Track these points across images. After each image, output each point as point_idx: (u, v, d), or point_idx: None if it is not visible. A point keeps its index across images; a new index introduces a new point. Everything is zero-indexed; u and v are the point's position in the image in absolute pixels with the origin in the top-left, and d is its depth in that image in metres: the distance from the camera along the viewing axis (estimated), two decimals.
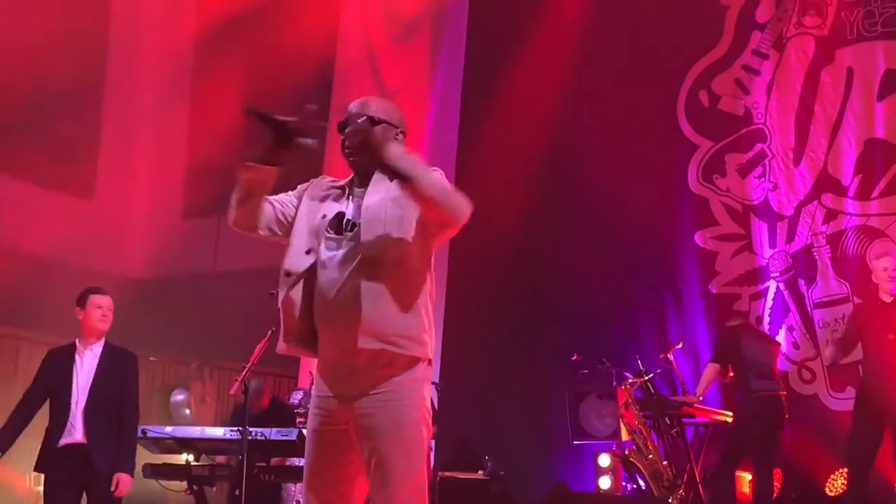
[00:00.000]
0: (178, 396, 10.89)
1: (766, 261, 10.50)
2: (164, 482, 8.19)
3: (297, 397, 9.87)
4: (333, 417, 3.97)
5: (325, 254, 3.99)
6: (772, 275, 10.41)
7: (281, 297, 4.02)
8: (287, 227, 4.16)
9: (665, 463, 9.03)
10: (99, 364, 7.18)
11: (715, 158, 10.93)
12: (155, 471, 8.08)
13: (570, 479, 10.16)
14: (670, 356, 9.75)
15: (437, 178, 3.85)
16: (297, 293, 3.98)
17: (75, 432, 6.98)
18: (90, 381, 7.10)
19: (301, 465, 8.20)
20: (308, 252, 4.02)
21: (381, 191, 3.99)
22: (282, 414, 9.47)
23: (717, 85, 11.02)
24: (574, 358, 9.34)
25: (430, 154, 11.91)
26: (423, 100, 12.16)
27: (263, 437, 7.84)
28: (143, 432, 7.96)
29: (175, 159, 14.62)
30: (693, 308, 10.65)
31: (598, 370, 9.37)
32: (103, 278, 12.94)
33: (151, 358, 12.22)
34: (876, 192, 10.16)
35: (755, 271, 10.52)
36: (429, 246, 4.02)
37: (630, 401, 9.07)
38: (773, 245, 10.51)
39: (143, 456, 7.95)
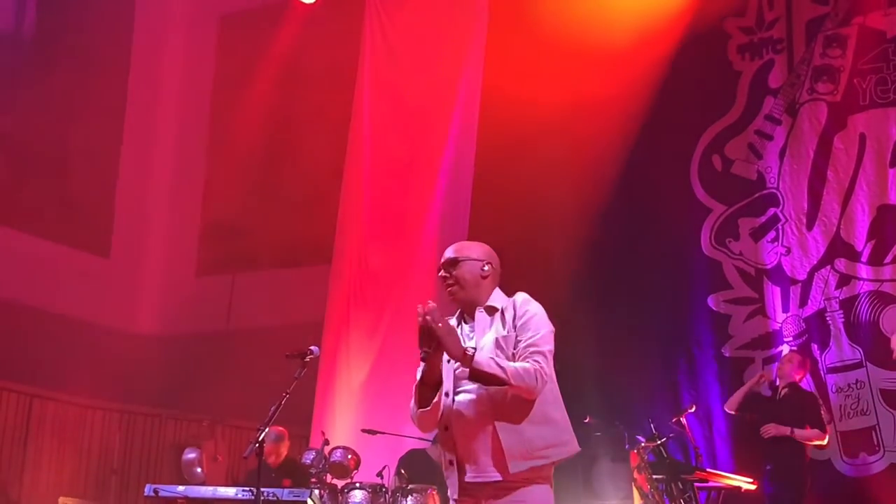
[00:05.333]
0: (190, 455, 10.85)
1: (780, 325, 10.49)
2: None
3: (308, 457, 9.84)
4: None
5: (457, 392, 4.63)
6: (785, 339, 10.39)
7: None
8: None
9: None
10: None
11: (728, 222, 10.96)
12: None
13: None
14: (683, 420, 9.73)
15: (514, 371, 4.46)
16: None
17: None
18: None
19: None
20: (447, 394, 4.67)
21: (487, 328, 4.71)
22: (296, 471, 9.46)
23: (730, 149, 11.08)
24: (586, 420, 9.31)
25: (441, 225, 11.97)
26: (433, 172, 12.27)
27: (275, 498, 7.83)
28: (155, 491, 7.96)
29: (189, 218, 14.71)
30: (706, 371, 10.63)
31: (611, 433, 9.34)
32: (117, 336, 13.05)
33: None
34: (889, 258, 10.14)
35: (768, 335, 10.51)
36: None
37: (643, 464, 9.03)
38: (786, 309, 10.50)
39: None
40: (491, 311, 4.76)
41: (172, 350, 13.45)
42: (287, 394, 6.55)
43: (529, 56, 11.59)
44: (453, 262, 4.82)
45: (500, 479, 4.52)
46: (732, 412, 9.77)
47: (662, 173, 11.12)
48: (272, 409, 6.64)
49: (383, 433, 10.15)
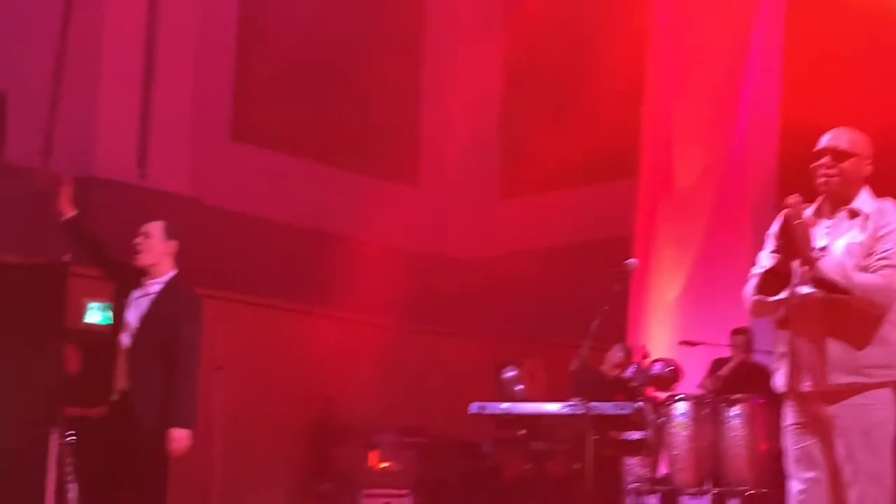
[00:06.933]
0: (510, 373, 11.01)
1: None
2: None
3: (629, 371, 9.86)
4: (809, 413, 4.58)
5: (799, 292, 4.55)
6: None
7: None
8: None
9: None
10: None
11: None
12: (496, 446, 8.22)
13: None
14: None
15: (861, 282, 4.39)
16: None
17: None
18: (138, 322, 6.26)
19: (636, 438, 8.21)
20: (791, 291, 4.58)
21: (843, 232, 4.57)
22: (626, 387, 9.54)
23: None
24: None
25: (751, 128, 11.59)
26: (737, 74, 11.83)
27: (599, 412, 7.83)
28: (482, 408, 8.12)
29: (489, 142, 14.88)
30: None
31: None
32: (430, 261, 13.38)
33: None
34: None
35: None
36: None
37: None
38: None
39: (484, 431, 8.05)
40: (853, 214, 4.62)
41: (483, 272, 13.67)
42: (607, 307, 6.53)
43: None
44: (843, 155, 4.64)
45: (824, 388, 4.48)
46: None
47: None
48: (592, 323, 6.64)
49: (703, 344, 10.01)
